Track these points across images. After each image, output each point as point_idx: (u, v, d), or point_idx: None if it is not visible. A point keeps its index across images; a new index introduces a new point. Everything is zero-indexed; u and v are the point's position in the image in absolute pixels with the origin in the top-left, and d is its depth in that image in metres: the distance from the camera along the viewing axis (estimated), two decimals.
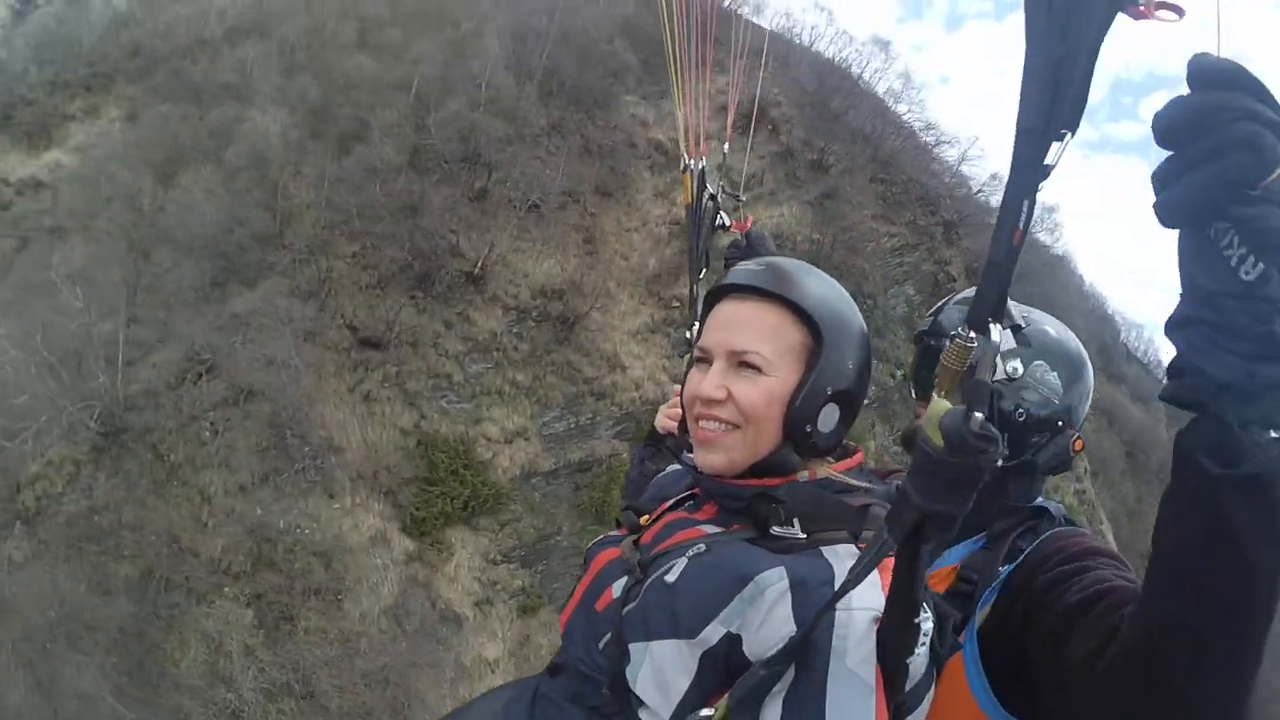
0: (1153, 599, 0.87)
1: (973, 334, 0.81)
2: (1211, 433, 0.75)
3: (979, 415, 0.77)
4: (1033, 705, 1.20)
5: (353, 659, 16.14)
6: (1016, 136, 0.75)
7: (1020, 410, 1.41)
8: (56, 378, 17.50)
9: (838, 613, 0.94)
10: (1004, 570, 1.34)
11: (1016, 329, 1.43)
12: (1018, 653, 1.22)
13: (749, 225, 2.04)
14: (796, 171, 26.93)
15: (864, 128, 28.94)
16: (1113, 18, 0.71)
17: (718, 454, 1.17)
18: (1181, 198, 0.70)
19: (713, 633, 1.01)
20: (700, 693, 1.01)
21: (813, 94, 29.49)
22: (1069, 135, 0.74)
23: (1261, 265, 0.69)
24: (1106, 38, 0.71)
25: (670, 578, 1.08)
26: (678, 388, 1.61)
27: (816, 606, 0.95)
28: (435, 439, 19.89)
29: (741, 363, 1.16)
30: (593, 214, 24.35)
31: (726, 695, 0.97)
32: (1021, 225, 0.77)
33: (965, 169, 32.28)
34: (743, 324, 1.18)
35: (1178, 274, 0.75)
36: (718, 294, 1.25)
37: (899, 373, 24.04)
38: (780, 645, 0.95)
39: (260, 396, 18.08)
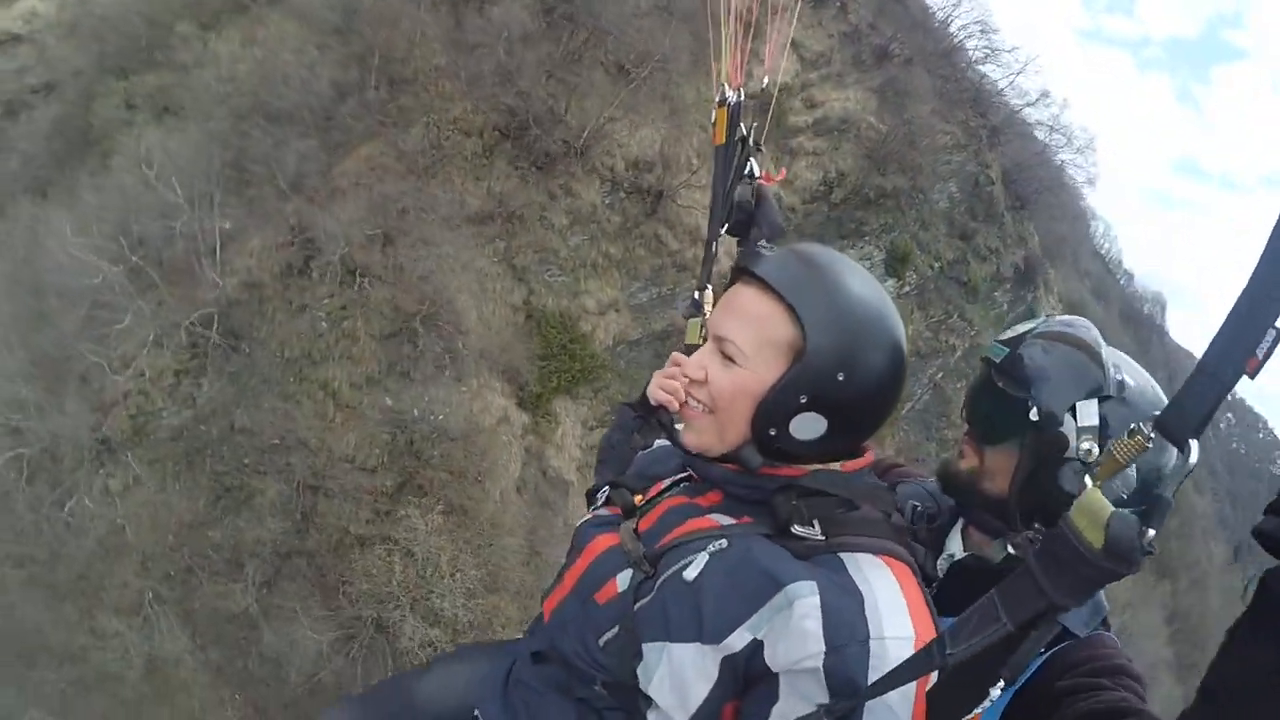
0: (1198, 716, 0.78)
1: (1154, 434, 0.77)
2: None
3: (1153, 532, 0.75)
4: None
5: (502, 537, 17.15)
6: (1267, 252, 0.69)
7: (1061, 519, 1.24)
8: (138, 277, 16.21)
9: (871, 641, 0.94)
10: (1037, 661, 1.26)
11: (1104, 398, 1.27)
12: None
13: (782, 177, 1.92)
14: (862, 55, 27.12)
15: (926, 17, 28.87)
16: None
17: (691, 433, 1.18)
18: None
19: (738, 639, 0.99)
20: (719, 696, 1.00)
21: None
22: None
23: None
24: None
25: (690, 575, 1.04)
26: (676, 354, 1.59)
27: (848, 627, 0.95)
28: (544, 314, 20.49)
29: (723, 349, 1.14)
30: (677, 83, 24.16)
31: None
32: (1261, 355, 0.70)
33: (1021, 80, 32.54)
34: (735, 310, 1.15)
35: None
36: (735, 273, 1.22)
37: (936, 265, 26.24)
38: (808, 662, 0.95)
39: (377, 280, 17.66)
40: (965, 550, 1.43)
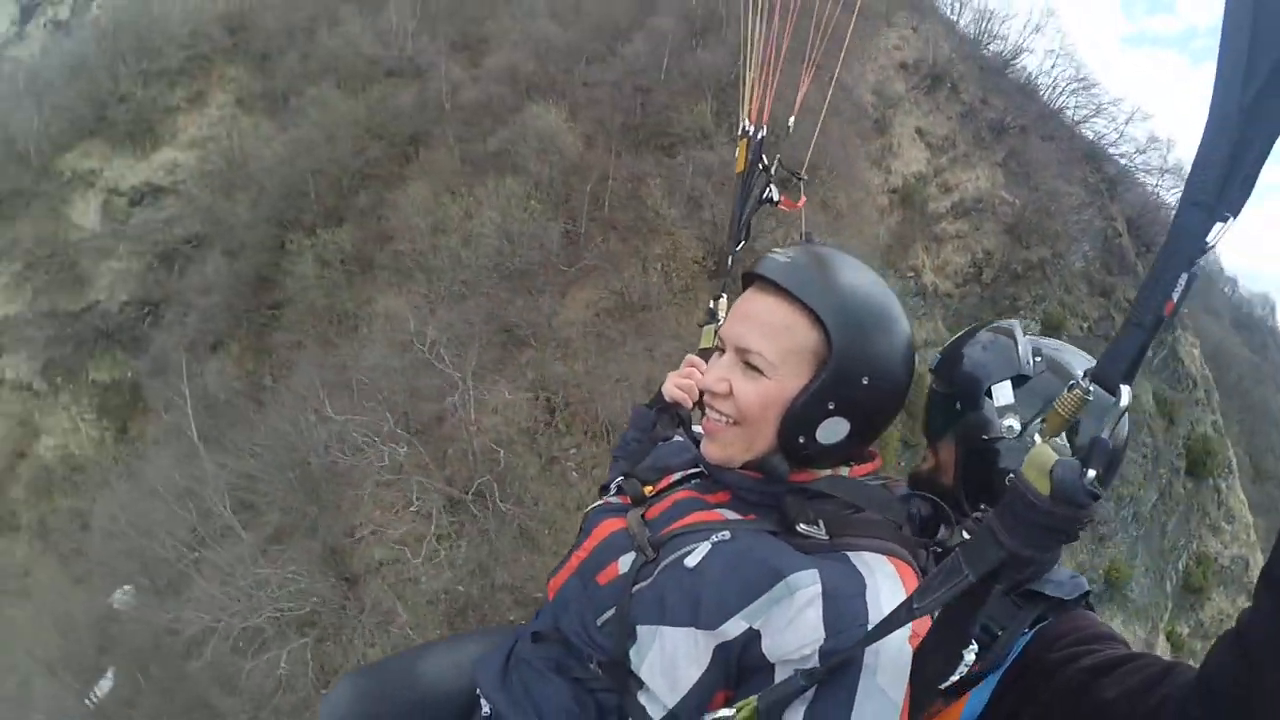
0: (1264, 616, 0.77)
1: (1093, 387, 0.81)
2: None
3: (1093, 472, 0.78)
4: None
5: None
6: (1182, 206, 0.75)
7: (1011, 475, 1.27)
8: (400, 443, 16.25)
9: (870, 627, 0.93)
10: (1022, 641, 1.27)
11: (1019, 379, 1.34)
12: None
13: (801, 205, 1.99)
14: (981, 132, 28.11)
15: (1029, 83, 30.08)
16: None
17: (715, 446, 1.17)
18: None
19: (734, 626, 0.99)
20: (709, 683, 1.00)
21: (974, 46, 30.29)
22: (1231, 220, 0.74)
23: None
24: None
25: (691, 562, 1.04)
26: (691, 356, 1.63)
27: (847, 616, 0.95)
28: None
29: (747, 360, 1.13)
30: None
31: (755, 698, 0.95)
32: (1175, 298, 0.76)
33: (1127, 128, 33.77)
34: (755, 319, 1.14)
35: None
36: (747, 279, 1.21)
37: (1085, 325, 26.86)
38: (805, 650, 0.94)
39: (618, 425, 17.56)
40: None
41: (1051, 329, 25.63)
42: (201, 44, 29.45)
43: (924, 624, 0.95)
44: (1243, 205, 0.74)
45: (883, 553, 1.04)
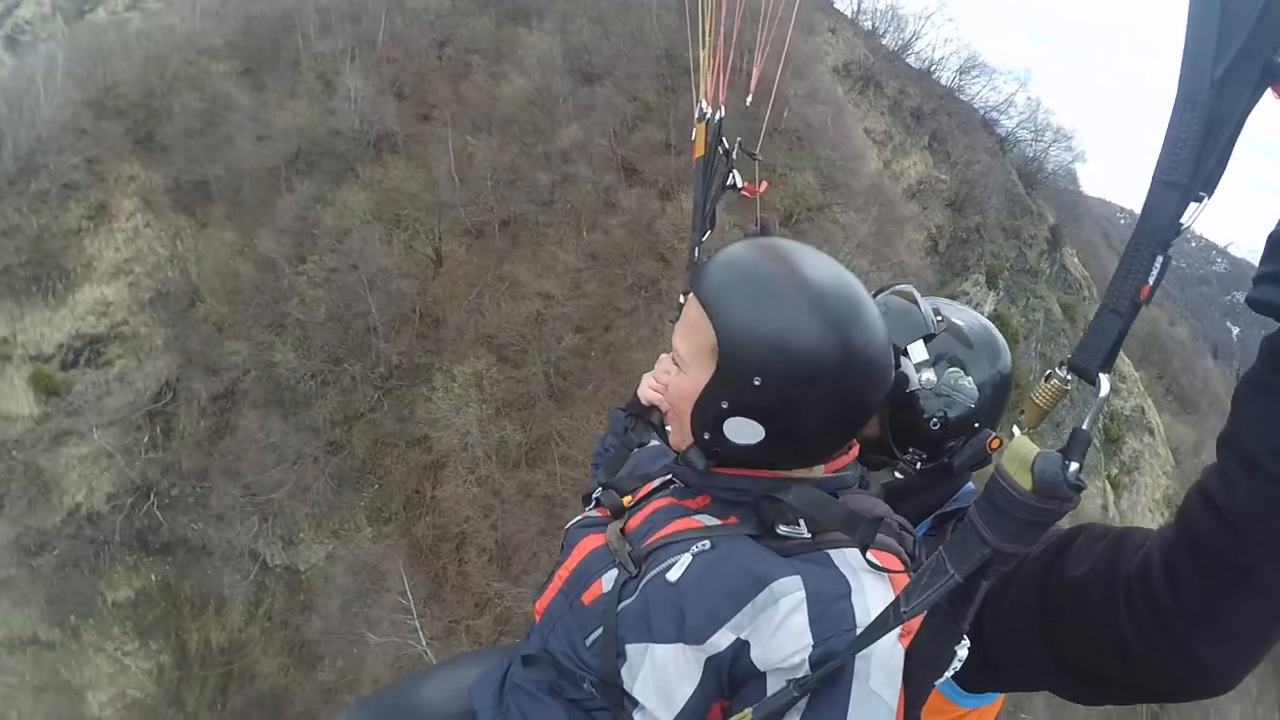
0: (1229, 478, 0.85)
1: (1070, 376, 0.79)
2: None
3: (1076, 465, 0.76)
4: (991, 674, 1.22)
5: None
6: (1154, 187, 0.73)
7: (934, 419, 1.44)
8: None
9: (858, 631, 0.92)
10: None
11: (928, 338, 1.45)
12: (977, 630, 1.17)
13: (763, 189, 1.91)
14: (906, 121, 31.96)
15: (928, 67, 34.32)
16: (1266, 86, 0.68)
17: (672, 436, 1.20)
18: None
19: (722, 639, 0.98)
20: (703, 697, 1.00)
21: (874, 39, 33.81)
22: (1206, 199, 0.72)
23: None
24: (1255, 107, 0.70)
25: (673, 576, 1.03)
26: (665, 356, 1.53)
27: (834, 620, 0.94)
28: None
29: (674, 357, 1.15)
30: None
31: (750, 710, 0.94)
32: (1151, 281, 0.74)
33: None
34: (682, 317, 1.14)
35: None
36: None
37: (1008, 264, 32.09)
38: (795, 659, 0.94)
39: None
40: None
41: (995, 276, 30.84)
42: (80, 144, 24.05)
43: (916, 621, 0.93)
44: (1218, 183, 0.72)
45: (875, 549, 1.02)
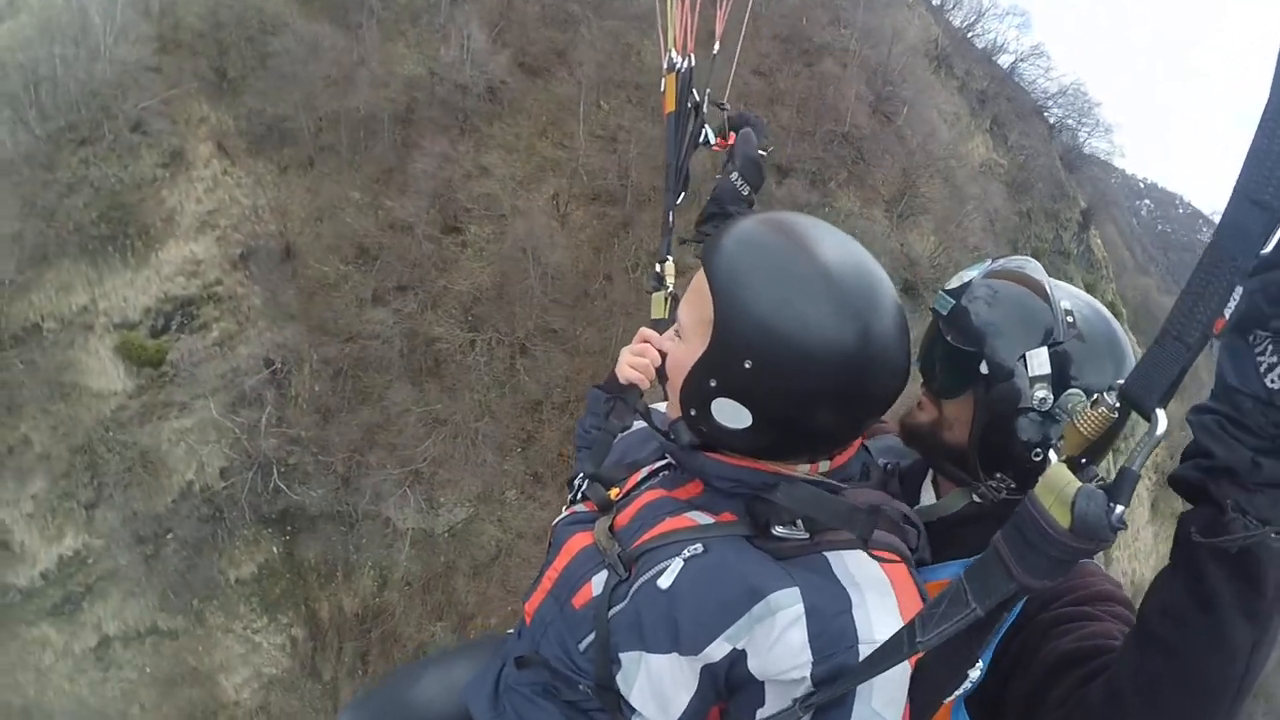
0: (1126, 659, 0.87)
1: (1118, 404, 0.72)
2: (1210, 514, 0.76)
3: (1121, 508, 0.68)
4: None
5: None
6: (1236, 203, 0.63)
7: (1037, 449, 1.23)
8: None
9: (860, 646, 0.90)
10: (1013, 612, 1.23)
11: (1054, 344, 1.22)
12: (1003, 688, 1.15)
13: (733, 142, 1.78)
14: (972, 103, 32.95)
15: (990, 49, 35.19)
16: None
17: (668, 408, 1.16)
18: (1236, 309, 0.67)
19: (717, 649, 0.95)
20: (701, 704, 0.98)
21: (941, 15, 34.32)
22: None
23: None
24: None
25: (664, 583, 0.99)
26: (644, 330, 1.51)
27: (834, 636, 0.91)
28: None
29: (676, 327, 1.11)
30: None
31: None
32: (1228, 314, 0.66)
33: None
34: (690, 286, 1.09)
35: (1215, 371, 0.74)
36: None
37: (1047, 246, 34.57)
38: (794, 674, 0.91)
39: None
40: (938, 500, 1.40)
41: (1038, 260, 32.77)
42: (147, 82, 21.37)
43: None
44: None
45: (875, 547, 0.99)
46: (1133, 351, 1.28)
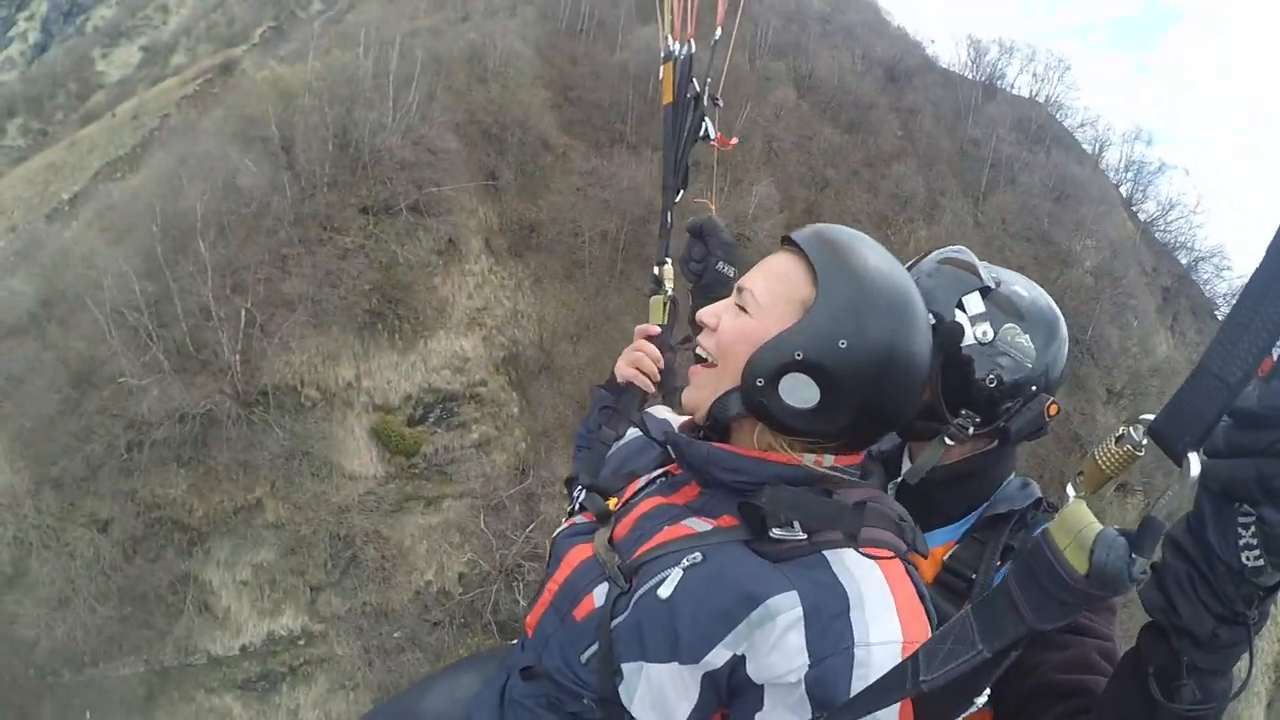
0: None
1: (1145, 440, 0.69)
2: (1166, 658, 0.78)
3: (1144, 562, 0.66)
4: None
5: None
6: None
7: (991, 377, 1.37)
8: None
9: (856, 649, 0.89)
10: (999, 576, 1.32)
11: (985, 290, 1.39)
12: None
13: (734, 144, 1.78)
14: (1157, 299, 33.74)
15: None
16: None
17: (690, 390, 1.14)
18: (1227, 472, 0.66)
19: (717, 657, 0.95)
20: (703, 712, 0.98)
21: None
22: None
23: (1263, 561, 0.67)
24: None
25: (664, 592, 0.99)
26: (641, 328, 1.54)
27: (832, 638, 0.90)
28: None
29: (739, 300, 1.11)
30: None
31: None
32: (1276, 354, 0.61)
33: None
34: (763, 268, 1.12)
35: (1194, 499, 0.70)
36: (782, 243, 1.15)
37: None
38: (790, 677, 0.91)
39: None
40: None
41: None
42: (434, 162, 21.93)
43: (921, 632, 0.92)
44: None
45: (866, 545, 0.99)
46: (1060, 314, 1.45)
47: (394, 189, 21.31)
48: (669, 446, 1.15)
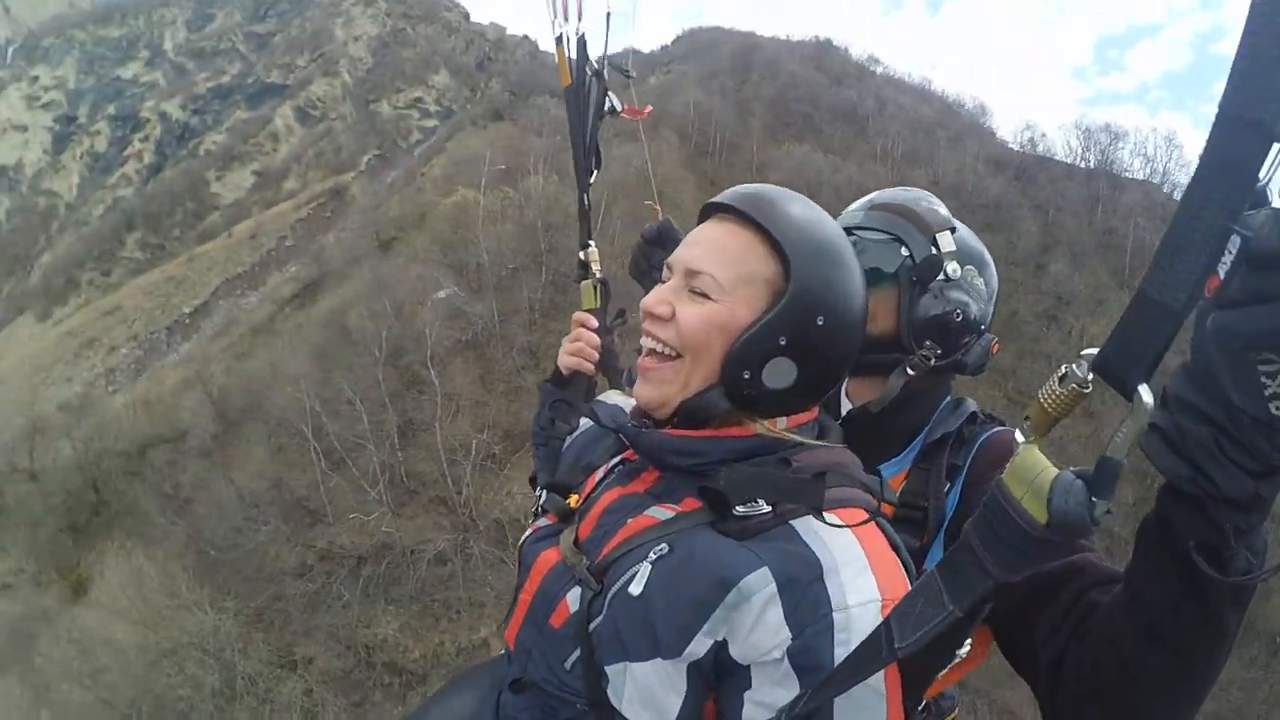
0: (1135, 646, 0.88)
1: (1090, 377, 0.64)
2: (1205, 531, 0.72)
3: (1104, 506, 0.63)
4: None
5: None
6: (1218, 130, 0.55)
7: (958, 312, 1.40)
8: None
9: (835, 614, 0.86)
10: (950, 498, 1.35)
11: (954, 230, 1.43)
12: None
13: (647, 113, 1.71)
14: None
15: None
16: None
17: (649, 386, 1.05)
18: (1251, 321, 0.59)
19: (699, 646, 0.92)
20: (695, 702, 0.95)
21: None
22: None
23: None
24: None
25: (635, 589, 0.95)
26: (578, 315, 1.53)
27: (809, 607, 0.88)
28: None
29: (693, 285, 1.02)
30: None
31: None
32: (1223, 272, 0.58)
33: None
34: (708, 243, 1.03)
35: (1193, 352, 0.65)
36: (706, 211, 1.09)
37: None
38: (774, 654, 0.88)
39: None
40: (853, 405, 1.50)
41: None
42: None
43: (900, 586, 0.90)
44: None
45: (831, 507, 0.95)
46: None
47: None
48: (621, 436, 1.15)
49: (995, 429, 1.41)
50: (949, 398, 1.50)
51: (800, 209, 1.03)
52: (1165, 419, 0.68)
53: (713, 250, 1.02)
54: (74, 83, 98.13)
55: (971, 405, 1.46)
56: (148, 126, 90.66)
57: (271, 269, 56.65)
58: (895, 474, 1.43)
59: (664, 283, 1.07)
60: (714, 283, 1.00)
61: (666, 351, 1.04)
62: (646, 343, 1.05)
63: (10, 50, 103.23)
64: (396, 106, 79.34)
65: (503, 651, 1.20)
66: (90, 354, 55.19)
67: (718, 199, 1.06)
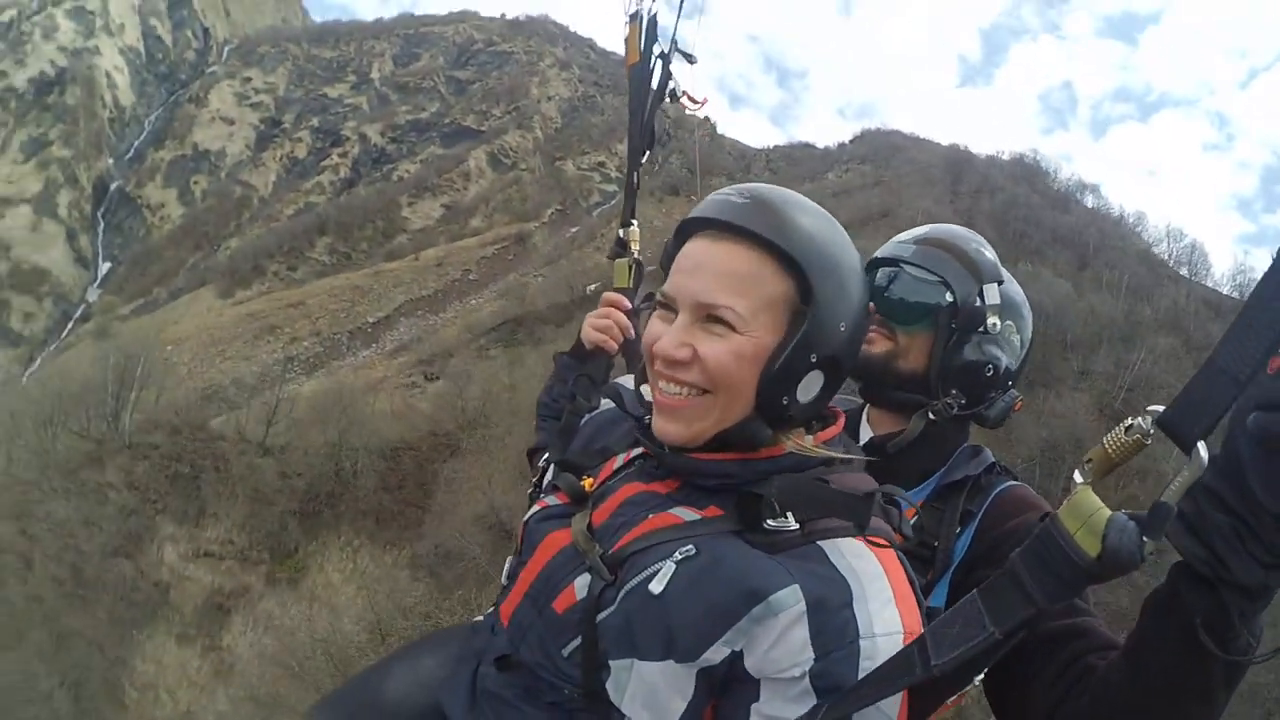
0: (1128, 707, 0.92)
1: (1152, 430, 0.70)
2: (1212, 609, 0.76)
3: (1153, 544, 0.70)
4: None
5: None
6: None
7: (990, 366, 1.42)
8: None
9: (862, 641, 0.86)
10: (961, 541, 1.35)
11: (1001, 283, 1.45)
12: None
13: (704, 103, 1.72)
14: None
15: None
16: None
17: (679, 424, 1.00)
18: None
19: (715, 654, 0.91)
20: (697, 707, 0.93)
21: None
22: None
23: None
24: None
25: (656, 587, 0.93)
26: (608, 294, 1.54)
27: (836, 631, 0.87)
28: None
29: (710, 317, 0.97)
30: None
31: None
32: None
33: None
34: (714, 269, 0.98)
35: (1225, 445, 0.72)
36: (689, 227, 1.04)
37: None
38: (794, 671, 0.87)
39: None
40: (874, 432, 1.52)
41: None
42: None
43: (915, 622, 0.90)
44: None
45: (860, 535, 0.96)
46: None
47: None
48: (655, 454, 1.10)
49: (1011, 482, 1.41)
50: (966, 444, 1.49)
51: (807, 218, 0.99)
52: (1190, 504, 0.72)
53: (723, 278, 0.96)
54: (283, 90, 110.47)
55: (990, 456, 1.46)
56: (347, 144, 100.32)
57: (453, 298, 60.02)
58: (905, 508, 1.51)
59: (660, 317, 1.02)
60: (736, 315, 0.96)
61: (691, 393, 0.99)
62: (667, 389, 0.99)
63: (227, 50, 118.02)
64: (580, 168, 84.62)
65: (479, 619, 1.19)
66: (271, 339, 59.63)
67: (710, 215, 0.99)
